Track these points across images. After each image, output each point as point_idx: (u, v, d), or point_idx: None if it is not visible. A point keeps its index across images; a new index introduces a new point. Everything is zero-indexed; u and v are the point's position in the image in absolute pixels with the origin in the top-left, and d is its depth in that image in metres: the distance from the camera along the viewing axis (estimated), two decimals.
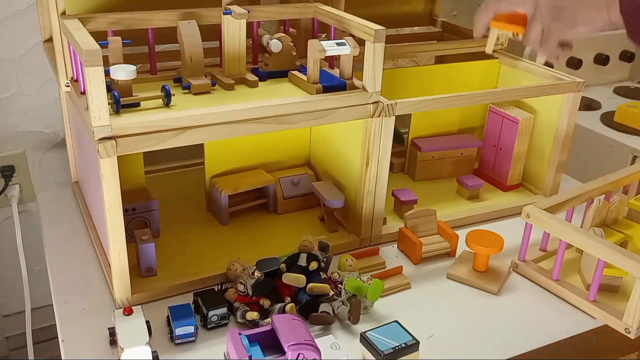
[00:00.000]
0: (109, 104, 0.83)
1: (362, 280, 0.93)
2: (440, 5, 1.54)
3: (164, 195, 1.15)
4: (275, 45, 1.05)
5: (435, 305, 0.98)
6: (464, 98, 1.11)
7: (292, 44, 1.08)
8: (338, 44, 0.98)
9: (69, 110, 1.13)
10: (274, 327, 0.82)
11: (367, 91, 1.00)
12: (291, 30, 1.19)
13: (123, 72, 0.89)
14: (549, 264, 1.06)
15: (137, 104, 0.92)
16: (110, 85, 0.90)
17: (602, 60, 1.86)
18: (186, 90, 0.99)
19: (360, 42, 0.99)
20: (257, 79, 1.03)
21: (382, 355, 0.81)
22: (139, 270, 0.97)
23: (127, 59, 0.94)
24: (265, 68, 1.07)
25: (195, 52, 1.00)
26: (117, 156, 0.83)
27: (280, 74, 1.07)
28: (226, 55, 1.03)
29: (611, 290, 1.00)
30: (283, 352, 0.78)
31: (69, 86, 1.02)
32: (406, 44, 1.43)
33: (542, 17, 0.81)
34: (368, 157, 1.03)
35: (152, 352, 0.80)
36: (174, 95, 0.93)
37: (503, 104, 1.31)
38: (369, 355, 0.83)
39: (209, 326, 0.89)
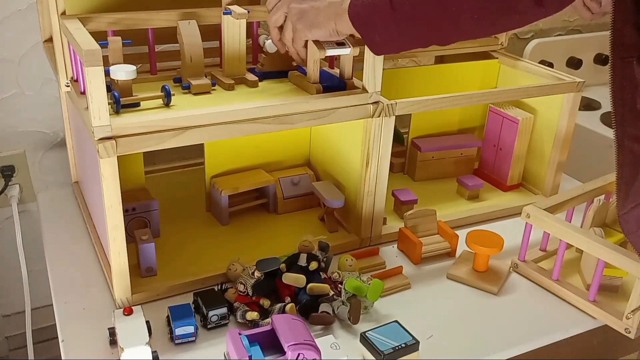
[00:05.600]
0: (109, 104, 0.83)
1: (362, 280, 0.93)
2: None
3: (164, 195, 1.15)
4: (270, 46, 1.05)
5: (435, 305, 0.98)
6: (464, 98, 1.11)
7: None
8: (338, 44, 0.98)
9: (69, 110, 1.13)
10: (274, 327, 0.82)
11: (367, 91, 1.00)
12: None
13: (123, 72, 0.89)
14: (549, 264, 1.06)
15: (137, 104, 0.92)
16: (110, 85, 0.90)
17: (602, 60, 1.86)
18: (186, 90, 0.99)
19: (361, 42, 0.99)
20: (257, 79, 1.03)
21: (382, 355, 0.81)
22: (139, 270, 0.97)
23: (127, 59, 0.94)
24: (261, 68, 1.07)
25: (195, 52, 1.00)
26: (117, 156, 0.83)
27: (276, 75, 1.07)
28: (226, 55, 1.03)
29: (611, 290, 1.00)
30: (283, 352, 0.78)
31: (69, 86, 1.02)
32: None
33: (291, 17, 0.92)
34: (368, 157, 1.03)
35: (152, 352, 0.80)
36: (174, 95, 0.93)
37: (503, 104, 1.31)
38: (369, 355, 0.83)
39: (209, 326, 0.89)
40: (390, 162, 1.07)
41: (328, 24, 0.89)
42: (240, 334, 0.81)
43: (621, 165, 0.79)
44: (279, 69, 1.07)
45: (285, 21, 0.95)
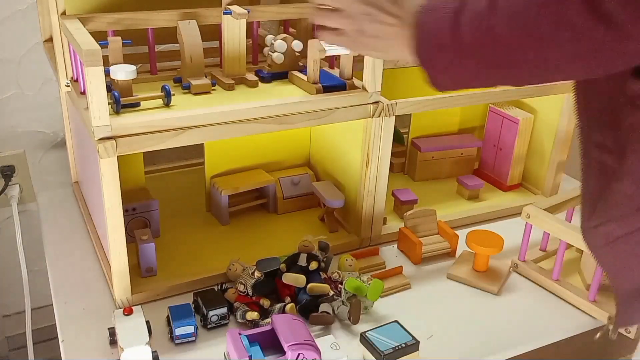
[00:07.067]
0: (109, 104, 0.83)
1: (362, 280, 0.93)
2: None
3: (164, 195, 1.15)
4: (280, 45, 1.04)
5: (435, 305, 0.98)
6: (463, 98, 1.11)
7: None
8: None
9: (69, 110, 1.13)
10: (274, 327, 0.82)
11: (367, 91, 1.00)
12: (291, 30, 1.19)
13: (123, 72, 0.89)
14: (549, 264, 1.06)
15: (137, 104, 0.92)
16: (110, 85, 0.90)
17: None
18: (186, 90, 0.99)
19: None
20: (257, 78, 1.03)
21: (382, 355, 0.81)
22: (139, 270, 0.97)
23: (127, 59, 0.94)
24: (269, 69, 1.07)
25: (195, 52, 1.00)
26: (117, 156, 0.83)
27: (285, 75, 1.06)
28: (226, 55, 1.03)
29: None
30: (283, 352, 0.78)
31: (69, 86, 1.02)
32: None
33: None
34: (368, 157, 1.03)
35: (152, 352, 0.80)
36: (174, 95, 0.93)
37: (503, 104, 1.31)
38: (369, 355, 0.83)
39: (209, 326, 0.89)
40: (390, 162, 1.07)
41: (393, 52, 0.75)
42: (240, 334, 0.81)
43: (587, 176, 0.75)
44: (287, 69, 1.06)
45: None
